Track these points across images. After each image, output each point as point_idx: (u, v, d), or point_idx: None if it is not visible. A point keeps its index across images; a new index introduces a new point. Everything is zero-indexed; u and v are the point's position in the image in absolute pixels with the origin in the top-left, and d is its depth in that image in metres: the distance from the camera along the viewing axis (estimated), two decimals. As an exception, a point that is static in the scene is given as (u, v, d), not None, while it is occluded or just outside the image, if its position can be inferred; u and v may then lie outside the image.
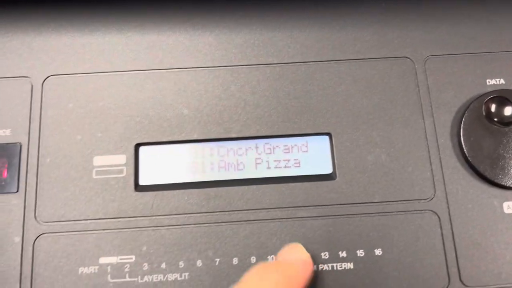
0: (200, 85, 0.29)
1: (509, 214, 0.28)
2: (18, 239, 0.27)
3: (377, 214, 0.27)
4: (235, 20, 0.30)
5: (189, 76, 0.29)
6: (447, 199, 0.28)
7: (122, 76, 0.29)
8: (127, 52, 0.30)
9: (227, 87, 0.29)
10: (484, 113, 0.29)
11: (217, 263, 0.27)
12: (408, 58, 0.30)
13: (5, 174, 0.28)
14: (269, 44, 0.30)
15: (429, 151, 0.29)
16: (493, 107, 0.29)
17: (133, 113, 0.29)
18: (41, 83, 0.29)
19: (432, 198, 0.28)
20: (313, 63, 0.30)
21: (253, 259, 0.27)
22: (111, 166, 0.28)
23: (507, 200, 0.28)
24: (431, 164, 0.28)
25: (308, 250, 0.27)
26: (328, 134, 0.29)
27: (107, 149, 0.28)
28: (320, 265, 0.27)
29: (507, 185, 0.28)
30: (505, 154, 0.28)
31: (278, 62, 0.30)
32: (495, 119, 0.28)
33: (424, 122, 0.29)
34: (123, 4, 0.30)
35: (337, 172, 0.28)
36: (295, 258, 0.25)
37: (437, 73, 0.30)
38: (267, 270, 0.24)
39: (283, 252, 0.26)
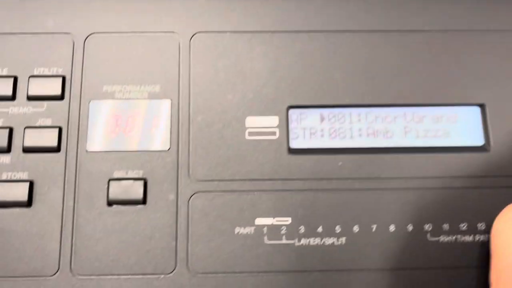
0: (351, 49, 0.29)
1: None
2: (172, 196, 0.26)
3: (530, 187, 0.27)
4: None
5: (341, 39, 0.29)
6: None
7: (272, 36, 0.29)
8: (277, 12, 0.29)
9: (379, 52, 0.29)
10: None
11: (373, 229, 0.26)
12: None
13: (156, 130, 0.27)
14: (422, 10, 0.29)
15: None
16: None
17: (284, 75, 0.28)
18: (189, 39, 0.29)
19: None
20: (465, 31, 0.29)
21: (409, 227, 0.26)
22: (263, 127, 0.27)
23: None
24: None
25: (461, 221, 0.27)
26: (481, 105, 0.28)
27: (259, 110, 0.28)
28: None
29: None
30: None
31: (430, 29, 0.29)
32: None
33: None
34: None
35: (490, 144, 0.28)
36: None
37: None
38: None
39: None
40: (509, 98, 0.28)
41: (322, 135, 0.28)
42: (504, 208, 0.24)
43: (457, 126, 0.29)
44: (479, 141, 0.28)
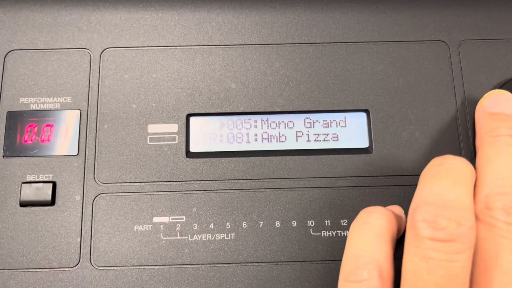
0: (246, 61, 0.31)
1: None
2: (79, 197, 0.29)
3: (409, 186, 0.30)
4: (281, 1, 0.32)
5: (236, 52, 0.31)
6: (475, 175, 0.30)
7: (174, 50, 0.31)
8: (179, 28, 0.32)
9: (272, 64, 0.31)
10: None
11: (261, 225, 0.29)
12: (443, 42, 0.32)
13: (66, 138, 0.30)
14: (312, 25, 0.32)
15: (459, 129, 0.30)
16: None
17: (184, 86, 0.31)
18: (99, 55, 0.31)
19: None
20: (353, 43, 0.32)
21: (294, 223, 0.29)
22: (164, 134, 0.30)
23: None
24: (460, 141, 0.30)
25: (342, 217, 0.29)
26: (366, 110, 0.31)
27: (160, 118, 0.30)
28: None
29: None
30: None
31: (321, 42, 0.32)
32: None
33: (456, 102, 0.31)
34: (177, -18, 0.32)
35: (373, 146, 0.30)
36: None
37: (470, 57, 0.31)
38: None
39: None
40: (389, 104, 0.31)
41: (221, 140, 0.31)
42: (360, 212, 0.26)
43: (346, 130, 0.31)
44: (364, 143, 0.31)
